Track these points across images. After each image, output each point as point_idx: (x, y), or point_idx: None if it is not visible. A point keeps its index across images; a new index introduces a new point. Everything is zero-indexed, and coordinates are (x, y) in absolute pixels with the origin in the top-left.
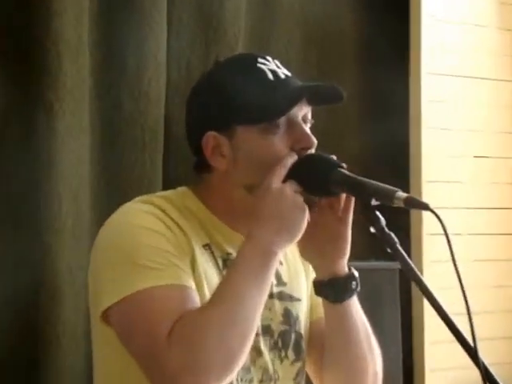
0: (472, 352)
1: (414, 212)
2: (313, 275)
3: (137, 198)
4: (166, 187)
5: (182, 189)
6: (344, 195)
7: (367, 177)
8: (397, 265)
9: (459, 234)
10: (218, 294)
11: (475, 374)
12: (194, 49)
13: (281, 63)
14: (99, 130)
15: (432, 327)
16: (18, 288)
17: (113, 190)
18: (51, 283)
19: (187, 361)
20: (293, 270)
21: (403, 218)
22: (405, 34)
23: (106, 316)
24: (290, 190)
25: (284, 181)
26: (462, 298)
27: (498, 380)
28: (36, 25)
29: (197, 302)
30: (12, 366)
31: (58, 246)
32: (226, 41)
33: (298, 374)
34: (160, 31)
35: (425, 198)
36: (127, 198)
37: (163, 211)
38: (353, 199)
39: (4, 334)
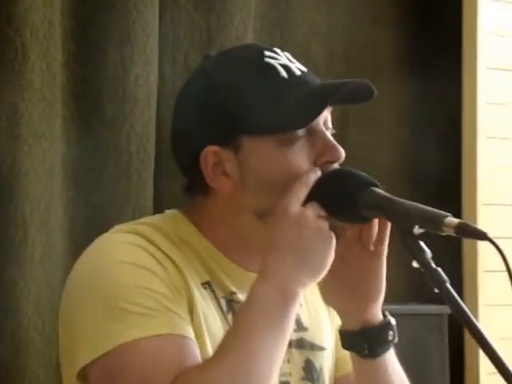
0: None
1: (467, 243)
2: (338, 320)
3: (116, 227)
4: (157, 209)
5: (171, 213)
6: (377, 221)
7: (407, 199)
8: (446, 309)
9: None
10: (225, 346)
11: None
12: (193, 39)
13: (300, 56)
14: (74, 139)
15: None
16: None
17: (92, 213)
18: (14, 329)
19: None
20: (314, 313)
21: (454, 250)
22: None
23: (83, 376)
24: (313, 214)
25: (304, 203)
26: None
27: None
28: None
29: (197, 355)
30: None
31: (22, 283)
32: (233, 29)
33: None
34: (150, 16)
35: (481, 225)
36: (109, 222)
37: (150, 242)
38: (388, 226)
39: None
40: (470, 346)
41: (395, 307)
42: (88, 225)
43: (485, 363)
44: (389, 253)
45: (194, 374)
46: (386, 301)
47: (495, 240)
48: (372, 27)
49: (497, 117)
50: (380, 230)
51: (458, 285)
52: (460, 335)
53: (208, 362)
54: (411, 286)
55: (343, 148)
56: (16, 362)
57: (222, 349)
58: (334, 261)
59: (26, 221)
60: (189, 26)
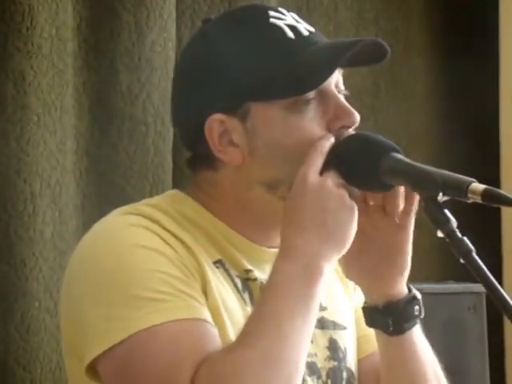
0: None
1: (506, 219)
2: (356, 296)
3: (116, 210)
4: (176, 184)
5: (172, 193)
6: (401, 191)
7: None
8: (480, 288)
9: None
10: (253, 329)
11: None
12: (214, 2)
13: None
14: (87, 109)
15: None
16: None
17: (106, 189)
18: (24, 312)
19: None
20: (331, 292)
21: (494, 229)
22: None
23: (93, 369)
24: (332, 183)
25: (321, 172)
26: None
27: None
28: None
29: (217, 338)
30: None
31: (33, 262)
32: None
33: None
34: None
35: None
36: (125, 199)
37: (155, 222)
38: (416, 197)
39: None
40: (509, 324)
41: (431, 286)
42: (102, 202)
43: None
44: (424, 229)
45: (222, 359)
46: (422, 280)
47: None
48: None
49: None
50: (406, 201)
51: (496, 263)
52: (499, 314)
53: (235, 347)
54: (449, 265)
55: (374, 117)
56: (26, 345)
57: (250, 333)
58: (357, 235)
59: (35, 196)
60: None
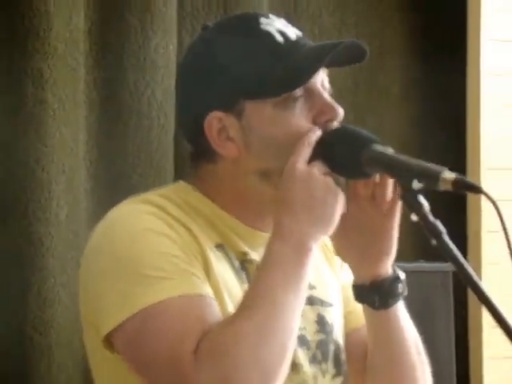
0: None
1: (471, 203)
2: (343, 274)
3: (129, 199)
4: (178, 172)
5: (178, 184)
6: (391, 182)
7: None
8: (450, 266)
9: None
10: (250, 303)
11: None
12: (211, 10)
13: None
14: (98, 103)
15: (492, 340)
16: (1, 290)
17: (114, 175)
18: (41, 285)
19: (220, 381)
20: (319, 272)
21: (459, 211)
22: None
23: (108, 340)
24: (319, 172)
25: (309, 162)
26: None
27: None
28: None
29: (218, 312)
30: None
31: (49, 241)
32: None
33: None
34: None
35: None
36: (131, 183)
37: (163, 210)
38: (391, 183)
39: None
40: (474, 302)
41: (401, 265)
42: (111, 187)
43: (488, 318)
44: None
45: (222, 330)
46: (395, 259)
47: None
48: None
49: (500, 86)
50: (394, 192)
51: (463, 246)
52: (464, 291)
53: (234, 319)
54: (419, 245)
55: (353, 114)
56: (43, 315)
57: (248, 306)
58: (348, 219)
59: (51, 182)
60: None
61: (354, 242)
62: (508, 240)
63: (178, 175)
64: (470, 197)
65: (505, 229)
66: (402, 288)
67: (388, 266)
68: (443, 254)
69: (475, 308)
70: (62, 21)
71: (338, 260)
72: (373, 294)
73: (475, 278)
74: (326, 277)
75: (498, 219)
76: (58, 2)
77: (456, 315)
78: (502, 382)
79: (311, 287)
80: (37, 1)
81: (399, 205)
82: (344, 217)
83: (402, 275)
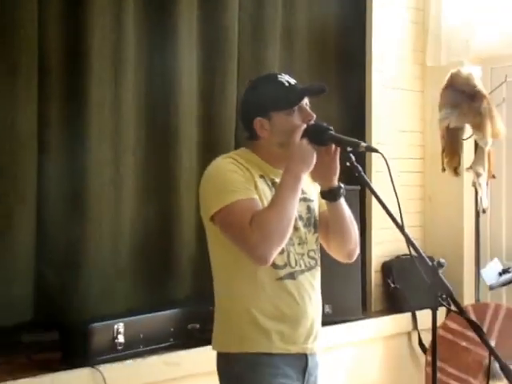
0: (400, 227)
1: (369, 161)
2: (318, 188)
3: (221, 156)
4: (237, 144)
5: (243, 148)
6: (333, 146)
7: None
8: (357, 188)
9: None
10: (273, 201)
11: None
12: (255, 74)
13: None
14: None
15: (378, 219)
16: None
17: (212, 152)
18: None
19: (262, 235)
20: (309, 187)
21: (363, 162)
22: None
23: (212, 219)
24: (306, 143)
25: (300, 139)
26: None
27: (420, 250)
28: None
29: (260, 205)
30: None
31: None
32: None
33: (316, 239)
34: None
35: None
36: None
37: (236, 160)
38: (338, 148)
39: (142, 223)
40: (369, 202)
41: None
42: (214, 153)
43: (376, 207)
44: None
45: (262, 211)
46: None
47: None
48: None
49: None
50: (335, 150)
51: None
52: (364, 202)
53: (267, 207)
54: (343, 176)
55: (317, 114)
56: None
57: (274, 202)
58: (317, 164)
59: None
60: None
61: (321, 173)
62: (390, 172)
63: (237, 146)
64: (368, 155)
65: (389, 169)
66: (342, 191)
67: (335, 181)
68: (360, 181)
69: (369, 204)
70: None
71: (314, 182)
72: (329, 194)
73: (373, 187)
74: (310, 188)
75: (382, 165)
76: None
77: (361, 211)
78: (381, 236)
79: (303, 193)
80: None
81: (338, 155)
82: (316, 163)
83: (343, 185)
